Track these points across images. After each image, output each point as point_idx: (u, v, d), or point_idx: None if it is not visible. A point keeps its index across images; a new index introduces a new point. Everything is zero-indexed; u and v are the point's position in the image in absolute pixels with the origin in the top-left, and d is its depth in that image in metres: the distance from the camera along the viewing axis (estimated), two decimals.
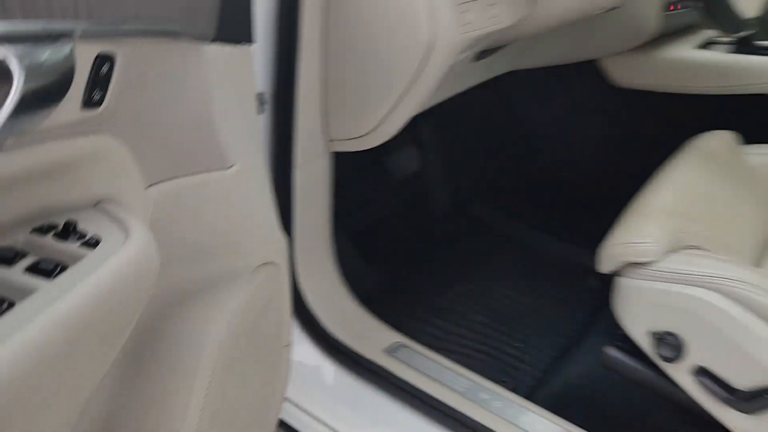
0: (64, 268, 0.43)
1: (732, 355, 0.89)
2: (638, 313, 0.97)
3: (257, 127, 0.91)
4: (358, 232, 1.44)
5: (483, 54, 1.20)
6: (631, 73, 1.47)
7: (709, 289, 0.90)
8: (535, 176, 1.74)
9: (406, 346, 1.15)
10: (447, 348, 1.30)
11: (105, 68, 0.49)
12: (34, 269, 0.42)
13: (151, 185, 0.60)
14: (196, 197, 0.65)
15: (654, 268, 0.93)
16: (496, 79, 1.48)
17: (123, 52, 0.51)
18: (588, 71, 1.51)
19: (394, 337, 1.17)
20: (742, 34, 1.14)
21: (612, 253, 0.97)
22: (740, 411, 0.90)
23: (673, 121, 1.44)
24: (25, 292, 0.41)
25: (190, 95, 0.60)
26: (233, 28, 0.64)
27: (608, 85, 1.51)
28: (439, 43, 0.88)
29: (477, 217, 1.73)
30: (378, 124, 0.99)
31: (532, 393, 1.19)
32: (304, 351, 1.13)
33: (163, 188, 0.61)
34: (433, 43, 0.88)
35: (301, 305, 1.13)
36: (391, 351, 1.13)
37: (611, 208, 1.14)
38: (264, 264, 0.78)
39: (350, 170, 1.19)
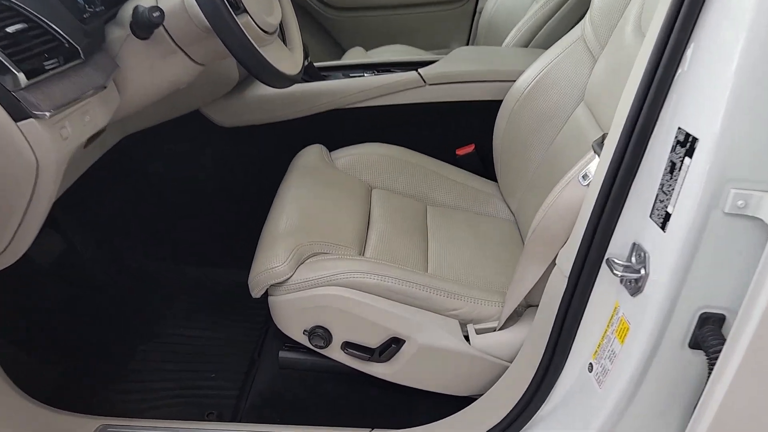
0: None
1: (362, 326, 1.16)
2: (290, 319, 1.19)
3: None
4: (27, 339, 1.40)
5: (91, 139, 1.27)
6: (232, 113, 1.68)
7: (332, 285, 1.16)
8: (184, 220, 1.84)
9: (111, 426, 1.20)
10: (150, 407, 1.38)
11: None
12: None
13: None
14: None
15: (290, 283, 1.17)
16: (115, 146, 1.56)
17: None
18: (195, 118, 1.68)
19: (96, 422, 1.21)
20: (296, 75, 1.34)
21: (256, 281, 1.18)
22: (379, 362, 1.21)
23: (276, 145, 1.70)
24: None
25: None
26: None
27: (217, 127, 1.71)
28: (45, 163, 0.95)
29: (140, 270, 1.79)
30: (9, 242, 1.02)
31: (237, 413, 1.35)
32: None
33: None
34: (41, 164, 0.95)
35: None
36: None
37: (254, 227, 1.35)
38: None
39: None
